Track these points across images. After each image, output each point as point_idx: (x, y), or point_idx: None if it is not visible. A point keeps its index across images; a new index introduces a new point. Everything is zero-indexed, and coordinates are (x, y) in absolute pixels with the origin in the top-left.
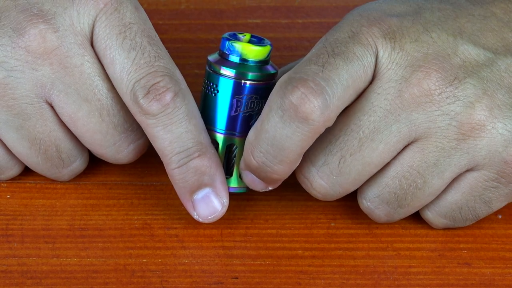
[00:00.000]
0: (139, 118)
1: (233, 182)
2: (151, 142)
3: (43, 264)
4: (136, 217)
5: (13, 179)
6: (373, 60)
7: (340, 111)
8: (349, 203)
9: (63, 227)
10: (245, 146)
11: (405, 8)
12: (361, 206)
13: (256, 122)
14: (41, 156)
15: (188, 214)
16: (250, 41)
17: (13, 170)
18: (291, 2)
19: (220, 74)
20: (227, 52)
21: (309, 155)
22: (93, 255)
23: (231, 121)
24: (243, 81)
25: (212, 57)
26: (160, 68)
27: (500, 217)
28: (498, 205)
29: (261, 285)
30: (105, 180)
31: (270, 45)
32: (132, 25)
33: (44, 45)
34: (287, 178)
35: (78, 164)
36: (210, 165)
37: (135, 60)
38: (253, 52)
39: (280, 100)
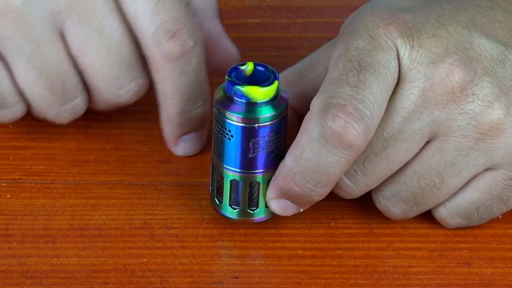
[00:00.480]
0: (157, 60)
1: (261, 213)
2: (159, 86)
3: (43, 264)
4: (136, 217)
5: (13, 179)
6: (397, 64)
7: (378, 125)
8: (349, 203)
9: (63, 227)
10: (282, 174)
11: (413, 2)
12: (377, 204)
13: (294, 149)
14: (47, 88)
15: (188, 214)
16: (254, 72)
17: (14, 108)
18: (291, 2)
19: (231, 120)
20: (234, 97)
21: None
22: (93, 255)
23: (251, 161)
24: (256, 125)
25: (219, 98)
26: (182, 14)
27: (500, 217)
28: None
29: (261, 285)
30: (105, 180)
31: (277, 78)
32: None
33: None
34: None
35: (79, 102)
36: (207, 114)
37: (158, 4)
38: (262, 94)
39: (321, 129)
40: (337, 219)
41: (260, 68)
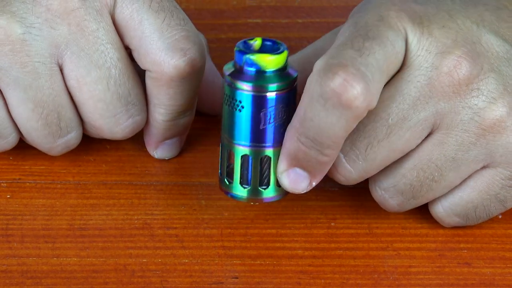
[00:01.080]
0: (164, 78)
1: (271, 192)
2: (155, 96)
3: (43, 264)
4: (136, 217)
5: (13, 179)
6: (404, 46)
7: (379, 95)
8: (349, 203)
9: (63, 227)
10: (289, 136)
11: None
12: (374, 194)
13: (298, 109)
14: (42, 121)
15: (188, 214)
16: (263, 47)
17: (7, 140)
18: (291, 2)
19: (242, 90)
20: (244, 66)
21: None
22: (93, 255)
23: (261, 134)
24: (265, 94)
25: (229, 70)
26: (190, 32)
27: (500, 217)
28: (511, 204)
29: (261, 285)
30: (105, 180)
31: (286, 49)
32: None
33: (65, 5)
34: None
35: (73, 136)
36: (190, 122)
37: (165, 20)
38: (271, 63)
39: (320, 88)
40: (337, 219)
41: (268, 42)
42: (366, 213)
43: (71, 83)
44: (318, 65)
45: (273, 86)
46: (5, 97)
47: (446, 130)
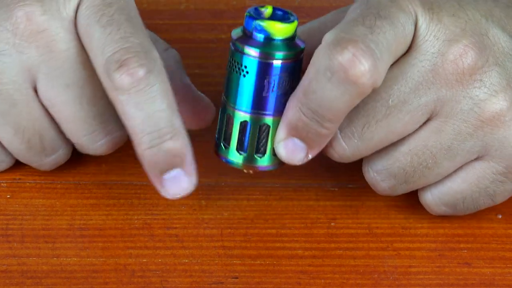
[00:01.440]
0: (111, 94)
1: (266, 161)
2: (123, 122)
3: (43, 264)
4: (136, 217)
5: (13, 179)
6: (413, 29)
7: (385, 74)
8: (349, 203)
9: (63, 227)
10: (292, 104)
11: None
12: (366, 176)
13: (303, 79)
14: (24, 144)
15: (188, 214)
16: (273, 15)
17: (4, 163)
18: (291, 2)
19: (248, 55)
20: (253, 31)
21: None
22: (93, 255)
23: (263, 101)
24: (271, 61)
25: (237, 35)
26: (135, 44)
27: (500, 217)
28: (500, 199)
29: (261, 285)
30: (105, 180)
31: (296, 19)
32: (113, 4)
33: (30, 28)
34: (287, 179)
35: (60, 154)
36: (181, 147)
37: (110, 35)
38: (280, 31)
39: (328, 61)
40: (337, 219)
41: (279, 12)
42: (366, 213)
43: (47, 103)
44: (328, 38)
45: (279, 54)
46: None
47: (445, 118)
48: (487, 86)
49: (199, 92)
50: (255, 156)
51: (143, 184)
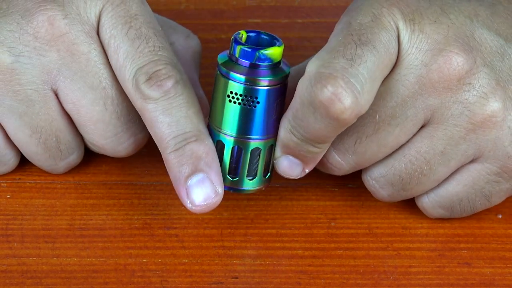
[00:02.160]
0: (139, 104)
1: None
2: (149, 129)
3: (43, 264)
4: (136, 217)
5: (13, 179)
6: (397, 45)
7: (372, 100)
8: (349, 203)
9: (63, 227)
10: (283, 124)
11: None
12: (366, 183)
13: (292, 103)
14: (41, 146)
15: (188, 213)
16: (248, 39)
17: (7, 165)
18: (291, 2)
19: (264, 86)
20: (258, 62)
21: None
22: (93, 255)
23: (273, 124)
24: (279, 85)
25: (244, 72)
26: (163, 57)
27: (500, 217)
28: (497, 200)
29: (261, 285)
30: (105, 180)
31: (276, 38)
32: (138, 16)
33: (52, 32)
34: (287, 179)
35: (74, 157)
36: (207, 152)
37: (139, 48)
38: (280, 53)
39: (309, 97)
40: (337, 219)
41: (253, 33)
42: (366, 213)
43: (69, 106)
44: (310, 70)
45: (284, 77)
46: (3, 125)
47: (436, 124)
48: (476, 88)
49: (202, 91)
50: (264, 178)
51: (143, 184)
